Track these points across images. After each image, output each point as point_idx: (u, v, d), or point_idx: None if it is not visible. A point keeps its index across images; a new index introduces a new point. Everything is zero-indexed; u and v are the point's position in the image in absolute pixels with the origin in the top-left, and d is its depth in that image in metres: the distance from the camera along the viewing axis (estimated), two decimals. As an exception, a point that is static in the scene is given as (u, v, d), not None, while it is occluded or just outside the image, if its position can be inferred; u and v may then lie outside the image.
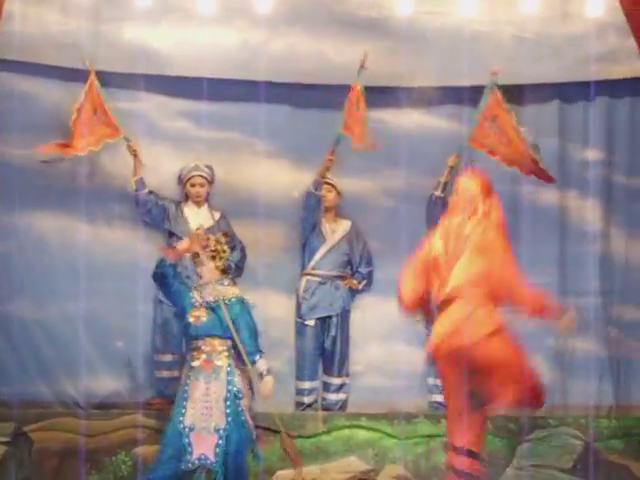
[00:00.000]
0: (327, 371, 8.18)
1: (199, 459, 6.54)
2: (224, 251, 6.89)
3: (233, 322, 6.71)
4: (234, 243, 8.18)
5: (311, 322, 8.16)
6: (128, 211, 8.15)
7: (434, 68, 8.11)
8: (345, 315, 8.23)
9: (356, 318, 8.28)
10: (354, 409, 8.03)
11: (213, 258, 6.84)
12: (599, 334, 8.24)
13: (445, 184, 8.11)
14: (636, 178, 8.44)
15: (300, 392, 8.12)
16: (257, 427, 7.47)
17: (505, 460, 7.64)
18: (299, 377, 8.14)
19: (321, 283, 8.19)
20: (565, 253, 8.43)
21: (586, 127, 8.40)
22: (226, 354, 6.70)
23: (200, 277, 6.91)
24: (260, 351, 6.77)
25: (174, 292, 6.88)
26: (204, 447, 6.55)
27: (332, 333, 8.18)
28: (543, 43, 8.15)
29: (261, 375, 6.71)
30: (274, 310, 8.15)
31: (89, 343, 8.00)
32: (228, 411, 6.60)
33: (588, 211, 8.47)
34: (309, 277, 8.22)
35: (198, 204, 8.18)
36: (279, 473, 7.55)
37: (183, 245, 6.87)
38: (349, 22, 8.14)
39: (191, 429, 6.55)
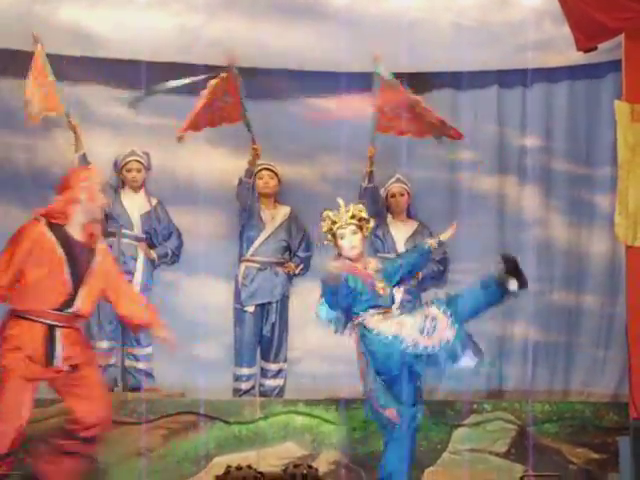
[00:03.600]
0: (265, 357, 8.18)
1: None
2: (367, 220, 6.52)
3: None
4: (171, 229, 8.20)
5: (250, 308, 8.14)
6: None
7: (372, 54, 8.09)
8: (284, 301, 8.23)
9: (294, 304, 8.28)
10: (292, 395, 8.02)
11: (360, 229, 6.50)
12: (537, 320, 8.29)
13: (370, 173, 8.12)
14: (575, 164, 8.48)
15: (238, 378, 8.10)
16: (195, 414, 7.52)
17: (441, 445, 7.67)
18: (237, 363, 8.12)
19: (260, 269, 8.18)
20: (504, 240, 8.47)
21: (524, 113, 8.45)
22: None
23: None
24: None
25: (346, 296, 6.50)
26: None
27: (271, 319, 8.17)
28: (481, 30, 8.18)
29: None
30: (212, 296, 8.14)
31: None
32: None
33: (527, 197, 8.52)
34: (248, 263, 8.20)
35: (134, 190, 8.15)
36: (216, 459, 7.53)
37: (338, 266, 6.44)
38: (287, 7, 8.12)
39: None
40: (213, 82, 7.74)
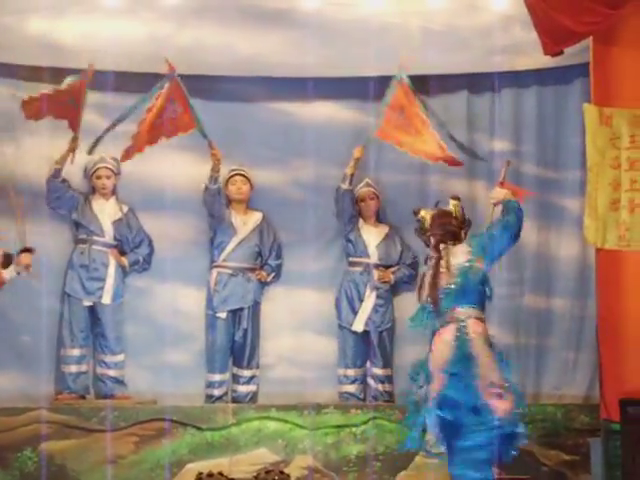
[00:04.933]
0: (237, 363, 8.17)
1: None
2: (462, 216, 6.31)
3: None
4: (142, 237, 8.19)
5: (223, 314, 8.14)
6: (34, 205, 8.04)
7: (342, 59, 8.11)
8: (256, 307, 8.23)
9: (267, 310, 8.28)
10: (264, 401, 8.04)
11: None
12: (508, 323, 8.31)
13: (351, 176, 8.16)
14: (544, 168, 8.50)
15: (210, 385, 8.10)
16: (167, 420, 7.51)
17: (414, 449, 7.69)
18: (209, 370, 8.12)
19: (232, 275, 8.18)
20: (475, 243, 8.48)
21: (493, 118, 8.47)
22: None
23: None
24: None
25: None
26: None
27: (243, 325, 8.17)
28: (450, 34, 8.19)
29: None
30: (183, 303, 8.13)
31: (-7, 338, 7.94)
32: None
33: (497, 201, 8.52)
34: (220, 269, 8.19)
35: (105, 196, 8.15)
36: (188, 466, 7.52)
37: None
38: (257, 13, 8.10)
39: None
40: (157, 93, 7.77)
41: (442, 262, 6.10)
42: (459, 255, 6.11)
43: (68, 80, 7.76)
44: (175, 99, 7.81)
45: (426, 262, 6.32)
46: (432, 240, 6.19)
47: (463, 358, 5.99)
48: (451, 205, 6.30)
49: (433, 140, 7.95)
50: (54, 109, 7.76)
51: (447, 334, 6.04)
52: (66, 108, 7.78)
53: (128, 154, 7.82)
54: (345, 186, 8.18)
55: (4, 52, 7.90)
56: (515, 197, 6.31)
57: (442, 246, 6.14)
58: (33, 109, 7.73)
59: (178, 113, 7.82)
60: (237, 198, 8.26)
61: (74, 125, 7.83)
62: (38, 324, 7.80)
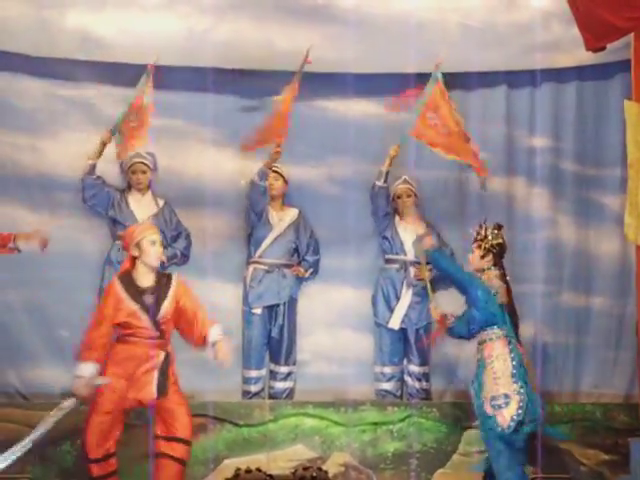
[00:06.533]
0: (274, 359, 8.15)
1: None
2: (486, 242, 7.03)
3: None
4: (180, 230, 8.18)
5: (258, 310, 8.12)
6: (72, 200, 8.06)
7: (380, 55, 8.08)
8: (292, 303, 8.20)
9: (303, 306, 8.25)
10: (301, 397, 8.00)
11: (479, 247, 7.01)
12: (546, 321, 8.27)
13: (387, 173, 8.12)
14: (584, 165, 8.46)
15: (247, 381, 8.08)
16: (204, 416, 7.50)
17: (451, 447, 7.67)
18: (246, 366, 8.10)
19: (268, 271, 8.15)
20: (513, 241, 8.39)
21: (533, 114, 8.42)
22: None
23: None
24: None
25: None
26: None
27: (279, 321, 8.15)
28: (488, 31, 8.17)
29: None
30: (220, 298, 8.10)
31: (33, 333, 7.94)
32: None
33: (535, 198, 8.49)
34: (256, 265, 8.18)
35: (141, 191, 8.13)
36: (226, 462, 7.51)
37: None
38: (295, 8, 8.12)
39: None
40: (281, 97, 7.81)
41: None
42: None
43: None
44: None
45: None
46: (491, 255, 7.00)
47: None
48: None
49: (465, 142, 7.87)
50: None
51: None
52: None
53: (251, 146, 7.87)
54: (380, 183, 8.15)
55: (42, 47, 7.90)
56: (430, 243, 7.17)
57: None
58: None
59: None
60: (270, 194, 8.23)
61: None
62: (77, 319, 7.80)
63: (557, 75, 8.35)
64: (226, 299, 8.17)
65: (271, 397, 8.06)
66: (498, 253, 7.05)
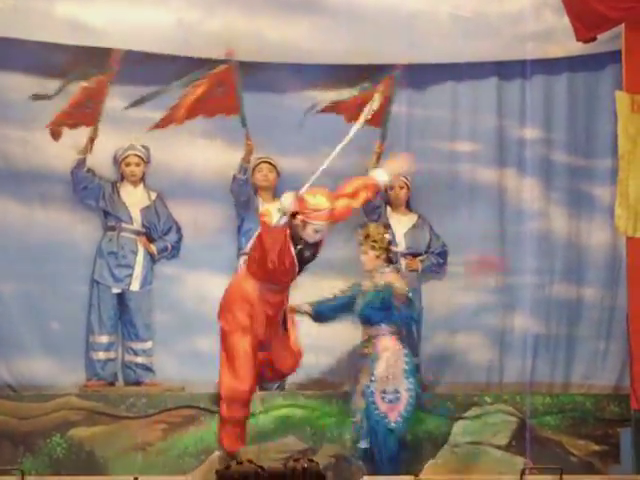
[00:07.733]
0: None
1: None
2: (382, 241, 7.25)
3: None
4: (171, 224, 8.17)
5: (250, 302, 8.10)
6: (63, 192, 8.06)
7: (371, 46, 8.06)
8: (283, 294, 8.19)
9: (295, 296, 8.23)
10: (292, 388, 8.01)
11: (373, 248, 7.22)
12: (537, 312, 8.28)
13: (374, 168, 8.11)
14: (575, 156, 8.45)
15: (238, 372, 8.07)
16: (196, 408, 7.50)
17: (442, 438, 7.68)
18: (237, 356, 8.09)
19: (259, 263, 8.14)
20: (504, 231, 8.44)
21: (524, 105, 8.40)
22: None
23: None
24: None
25: None
26: None
27: (270, 313, 8.14)
28: (479, 21, 8.15)
29: None
30: (211, 290, 8.07)
31: (22, 324, 7.91)
32: None
33: (526, 190, 8.48)
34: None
35: (134, 184, 8.13)
36: (216, 453, 7.50)
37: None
38: (285, 0, 8.09)
39: None
40: (210, 73, 7.75)
41: None
42: None
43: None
44: (224, 82, 7.79)
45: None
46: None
47: None
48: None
49: None
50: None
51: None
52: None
53: (163, 123, 7.79)
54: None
55: (34, 35, 7.86)
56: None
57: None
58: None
59: (224, 95, 7.79)
60: (264, 185, 8.22)
61: (95, 116, 7.81)
62: (67, 311, 7.81)
63: (548, 66, 8.33)
64: (217, 291, 8.12)
65: (262, 388, 8.03)
66: (389, 251, 7.32)
